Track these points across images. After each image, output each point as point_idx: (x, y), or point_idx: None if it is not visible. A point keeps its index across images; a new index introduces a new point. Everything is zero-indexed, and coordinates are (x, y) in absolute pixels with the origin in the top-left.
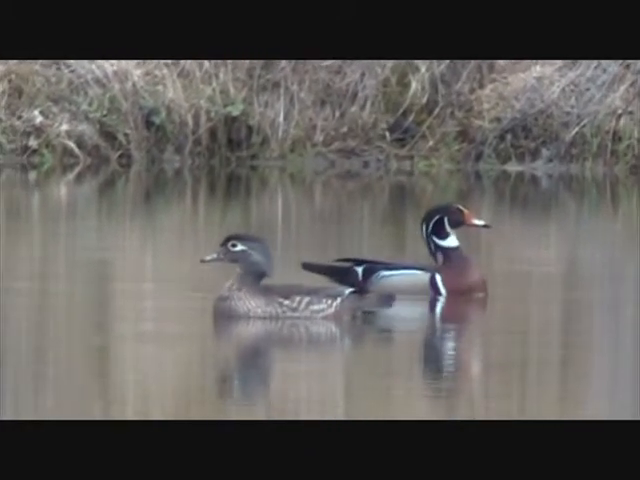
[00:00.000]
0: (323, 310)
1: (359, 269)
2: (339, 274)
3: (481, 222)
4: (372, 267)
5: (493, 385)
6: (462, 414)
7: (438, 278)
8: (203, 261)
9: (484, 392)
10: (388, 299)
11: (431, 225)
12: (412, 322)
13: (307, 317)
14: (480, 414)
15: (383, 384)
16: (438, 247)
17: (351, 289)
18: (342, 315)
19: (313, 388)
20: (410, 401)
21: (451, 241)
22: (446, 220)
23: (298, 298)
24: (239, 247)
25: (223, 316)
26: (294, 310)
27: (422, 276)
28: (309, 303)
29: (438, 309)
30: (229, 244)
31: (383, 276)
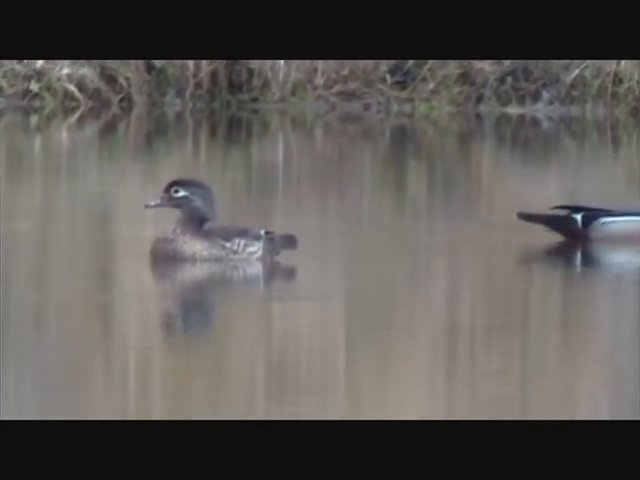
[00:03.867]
0: (255, 252)
1: (578, 217)
2: (558, 223)
3: None
4: (592, 214)
5: None
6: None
7: None
8: (147, 206)
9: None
10: (291, 240)
11: None
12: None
13: (244, 259)
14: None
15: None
16: None
17: (265, 230)
18: (266, 256)
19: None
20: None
21: None
22: None
23: (237, 240)
24: (181, 193)
25: (167, 258)
26: (235, 252)
27: None
28: (245, 245)
29: None
30: (172, 190)
31: (605, 222)
